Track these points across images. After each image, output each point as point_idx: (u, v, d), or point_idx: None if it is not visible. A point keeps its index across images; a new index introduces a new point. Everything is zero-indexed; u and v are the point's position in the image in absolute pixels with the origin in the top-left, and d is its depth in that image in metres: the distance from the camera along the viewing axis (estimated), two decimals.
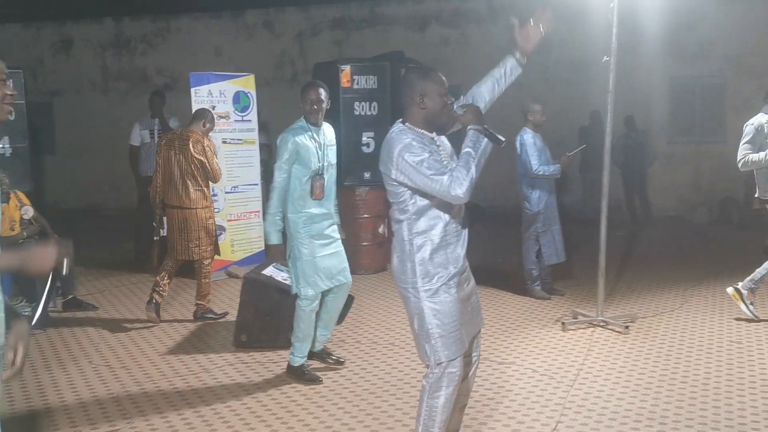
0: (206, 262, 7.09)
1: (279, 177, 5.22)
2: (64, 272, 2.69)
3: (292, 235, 5.29)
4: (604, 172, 6.60)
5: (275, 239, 5.26)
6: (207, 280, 7.14)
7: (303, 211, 5.23)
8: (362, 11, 14.18)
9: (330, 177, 5.36)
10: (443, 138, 3.72)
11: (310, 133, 5.27)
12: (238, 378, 5.49)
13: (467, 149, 3.42)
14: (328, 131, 5.43)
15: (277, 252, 5.32)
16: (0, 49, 11.57)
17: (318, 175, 5.25)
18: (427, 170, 3.41)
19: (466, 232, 3.69)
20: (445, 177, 3.38)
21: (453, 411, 3.74)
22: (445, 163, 3.49)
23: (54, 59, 15.23)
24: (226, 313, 7.13)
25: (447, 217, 3.57)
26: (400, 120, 3.66)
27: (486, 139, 3.44)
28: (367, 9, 14.15)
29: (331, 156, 5.38)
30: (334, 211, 5.46)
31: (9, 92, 2.57)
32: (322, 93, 5.27)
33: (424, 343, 3.59)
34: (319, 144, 5.27)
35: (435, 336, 3.54)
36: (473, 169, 3.37)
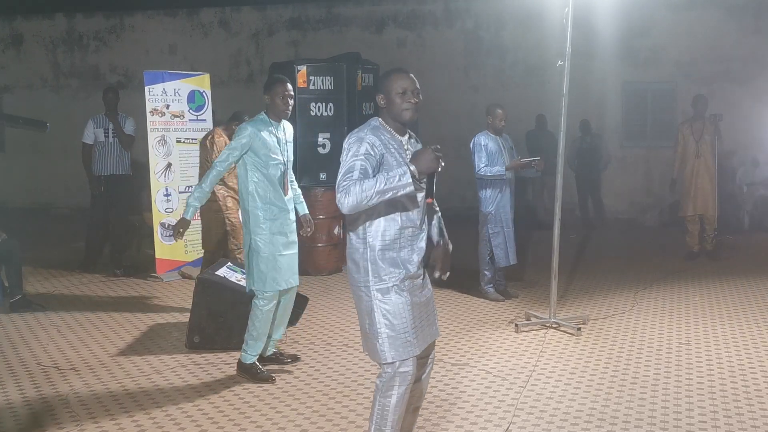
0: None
1: (225, 159, 5.20)
2: None
3: (251, 229, 5.24)
4: (557, 174, 6.67)
5: (191, 214, 5.26)
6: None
7: (267, 205, 5.21)
8: (319, 11, 14.14)
9: (290, 173, 5.40)
10: (417, 144, 3.70)
11: (271, 127, 5.25)
12: (190, 379, 5.44)
13: (384, 177, 3.34)
14: (287, 128, 5.43)
15: (184, 224, 5.29)
16: None
17: (286, 170, 5.28)
18: (346, 164, 3.43)
19: (423, 239, 3.69)
20: (346, 181, 3.37)
21: (406, 412, 3.75)
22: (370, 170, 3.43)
23: (4, 55, 14.93)
24: None
25: (403, 220, 3.58)
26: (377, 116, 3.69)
27: (409, 181, 3.32)
28: (323, 9, 14.12)
29: (290, 153, 5.40)
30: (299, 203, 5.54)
31: None
32: (290, 88, 5.30)
33: (373, 341, 3.60)
34: (278, 139, 5.27)
35: (383, 335, 3.56)
36: (370, 193, 3.32)
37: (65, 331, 6.71)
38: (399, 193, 3.36)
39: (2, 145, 14.63)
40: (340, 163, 3.52)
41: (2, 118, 2.82)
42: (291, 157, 5.41)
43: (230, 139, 6.80)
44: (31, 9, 14.57)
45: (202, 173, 7.26)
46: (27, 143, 14.55)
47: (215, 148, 7.29)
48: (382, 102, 3.62)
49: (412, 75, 3.64)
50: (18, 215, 11.84)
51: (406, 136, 3.67)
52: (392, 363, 3.57)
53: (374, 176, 3.40)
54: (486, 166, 7.37)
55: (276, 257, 5.23)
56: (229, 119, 7.57)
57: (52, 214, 13.71)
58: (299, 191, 5.62)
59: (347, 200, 3.35)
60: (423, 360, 3.81)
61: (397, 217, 3.56)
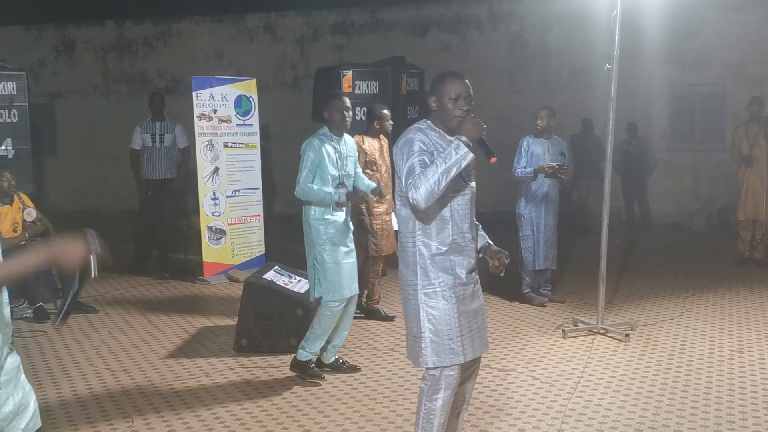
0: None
1: (306, 176, 5.30)
2: (93, 274, 2.54)
3: (313, 241, 5.36)
4: (605, 179, 6.62)
5: (342, 193, 5.31)
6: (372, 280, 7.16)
7: (325, 217, 5.32)
8: (363, 16, 14.19)
9: (349, 187, 5.49)
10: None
11: (332, 142, 5.38)
12: (238, 382, 5.50)
13: (441, 158, 3.40)
14: (349, 142, 5.56)
15: (354, 195, 5.39)
16: (3, 52, 11.53)
17: (340, 184, 5.37)
18: (406, 168, 3.45)
19: (475, 243, 3.69)
20: (410, 179, 3.40)
21: (450, 417, 3.75)
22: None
23: (56, 62, 15.23)
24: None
25: (456, 222, 3.58)
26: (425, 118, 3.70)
27: (465, 150, 3.38)
28: (368, 14, 14.16)
29: (351, 167, 5.50)
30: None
31: None
32: (348, 102, 5.42)
33: (417, 344, 3.61)
34: (339, 153, 5.39)
35: (426, 339, 3.56)
36: (436, 177, 3.35)
37: (116, 333, 6.83)
38: (463, 164, 3.38)
39: (54, 150, 14.92)
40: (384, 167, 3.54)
41: (80, 274, 2.89)
42: (352, 171, 5.53)
43: (378, 137, 6.84)
44: (83, 16, 14.84)
45: None
46: (78, 148, 14.84)
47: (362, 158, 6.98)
48: (434, 105, 3.62)
49: (467, 81, 3.63)
50: (70, 218, 12.05)
51: (455, 138, 3.67)
52: (435, 368, 3.58)
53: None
54: (522, 168, 7.36)
55: (340, 265, 5.33)
56: (367, 119, 7.10)
57: (102, 217, 13.92)
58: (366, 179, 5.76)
59: (419, 193, 3.35)
60: (469, 363, 3.81)
61: (448, 222, 3.57)
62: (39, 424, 2.75)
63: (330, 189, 5.31)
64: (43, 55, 15.15)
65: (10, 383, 2.65)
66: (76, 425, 4.76)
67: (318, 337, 5.40)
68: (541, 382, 5.38)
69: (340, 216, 5.40)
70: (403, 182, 3.44)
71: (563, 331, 6.49)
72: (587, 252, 9.08)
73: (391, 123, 6.92)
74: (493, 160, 3.53)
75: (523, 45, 13.51)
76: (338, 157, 5.39)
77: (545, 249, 7.50)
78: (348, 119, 5.41)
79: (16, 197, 7.23)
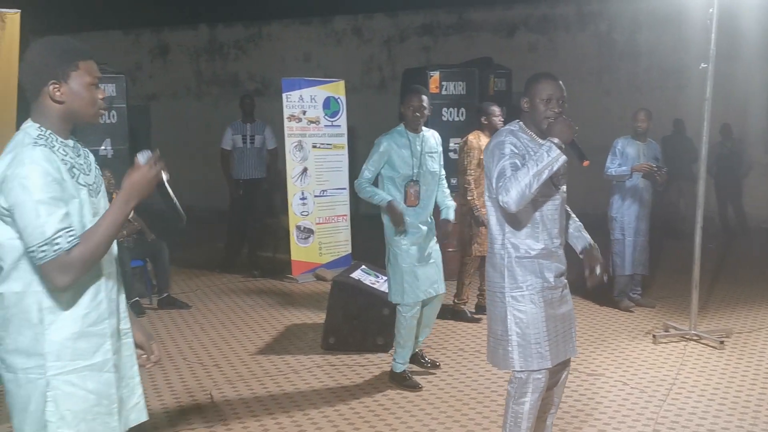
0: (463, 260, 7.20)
1: (365, 175, 5.30)
2: (166, 180, 2.57)
3: (390, 241, 5.33)
4: (699, 181, 6.45)
5: (386, 197, 5.23)
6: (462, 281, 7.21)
7: (404, 216, 5.25)
8: (450, 17, 14.18)
9: (429, 185, 5.37)
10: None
11: (406, 139, 5.30)
12: (326, 380, 5.58)
13: (533, 160, 3.37)
14: (431, 138, 5.43)
15: (392, 209, 5.20)
16: (103, 55, 11.99)
17: (412, 181, 5.27)
18: (497, 171, 3.43)
19: (562, 251, 3.66)
20: (501, 182, 3.38)
21: (538, 420, 3.73)
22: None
23: (152, 65, 15.73)
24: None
25: (547, 226, 3.56)
26: (518, 119, 3.68)
27: (557, 152, 3.34)
28: (455, 15, 14.15)
29: (431, 164, 5.36)
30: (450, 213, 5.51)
31: (101, 96, 2.61)
32: (425, 100, 5.29)
33: (503, 347, 3.59)
34: (413, 151, 5.30)
35: (513, 343, 3.55)
36: (527, 180, 3.32)
37: (208, 329, 7.02)
38: (554, 167, 3.35)
39: (149, 150, 15.40)
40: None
41: (162, 189, 2.97)
42: (435, 168, 5.39)
43: (491, 133, 6.66)
44: (177, 21, 15.29)
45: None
46: (171, 149, 15.25)
47: (465, 155, 6.99)
48: (525, 106, 3.60)
49: (560, 82, 3.59)
50: (163, 217, 12.44)
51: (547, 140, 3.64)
52: (522, 371, 3.57)
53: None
54: (615, 167, 7.21)
55: (414, 268, 5.27)
56: (478, 114, 7.07)
57: (193, 216, 14.27)
58: (448, 196, 5.60)
59: (509, 196, 3.34)
60: (558, 368, 3.77)
61: (538, 226, 3.55)
62: (145, 417, 2.82)
63: (383, 193, 5.23)
64: (140, 58, 15.67)
65: (124, 368, 2.72)
66: (171, 417, 4.92)
67: (403, 346, 5.40)
68: (631, 387, 5.29)
69: (414, 217, 5.29)
70: (494, 184, 3.44)
71: (654, 336, 6.36)
72: (679, 256, 8.86)
73: (501, 119, 6.87)
74: (586, 163, 3.48)
75: (611, 45, 13.26)
76: (412, 155, 5.29)
77: (637, 253, 7.35)
78: (420, 117, 5.27)
79: (114, 195, 7.50)
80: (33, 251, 2.38)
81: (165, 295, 7.77)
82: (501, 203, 3.40)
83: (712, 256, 9.99)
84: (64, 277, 2.40)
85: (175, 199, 2.66)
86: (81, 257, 2.40)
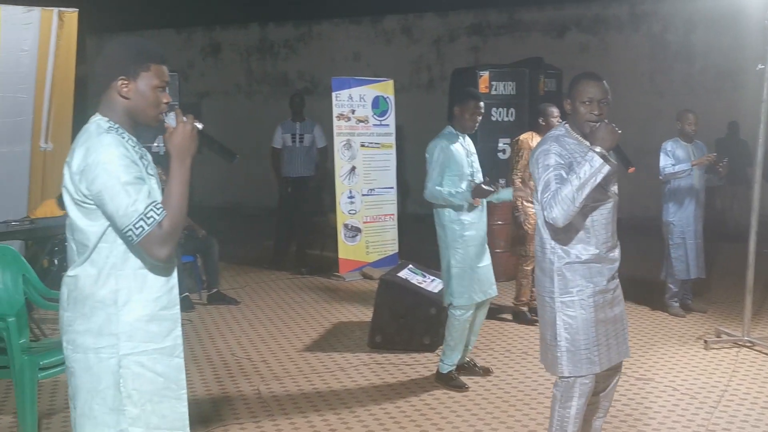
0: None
1: (435, 179, 5.25)
2: (200, 127, 2.64)
3: (446, 244, 5.32)
4: (754, 185, 6.33)
5: (467, 190, 5.17)
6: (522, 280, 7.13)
7: (460, 218, 5.26)
8: (500, 17, 14.11)
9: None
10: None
11: (457, 140, 5.34)
12: (373, 378, 5.60)
13: (575, 173, 3.29)
14: (470, 140, 5.51)
15: (479, 190, 5.14)
16: None
17: (473, 181, 5.30)
18: (542, 182, 3.37)
19: (617, 251, 3.62)
20: (547, 195, 3.32)
21: (585, 424, 3.70)
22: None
23: (203, 63, 15.92)
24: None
25: (597, 229, 3.50)
26: (565, 121, 3.63)
27: (600, 162, 3.26)
28: (505, 15, 14.08)
29: (476, 164, 5.44)
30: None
31: (165, 100, 2.67)
32: (482, 106, 5.35)
33: (551, 352, 3.56)
34: (467, 151, 5.36)
35: (562, 348, 3.51)
36: (571, 195, 3.27)
37: (256, 325, 7.09)
38: (598, 179, 3.28)
39: (200, 148, 15.58)
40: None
41: (203, 137, 3.04)
42: (479, 168, 5.46)
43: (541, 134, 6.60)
44: (229, 20, 15.46)
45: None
46: None
47: (514, 154, 6.98)
48: (568, 107, 3.54)
49: (604, 83, 3.51)
50: (213, 214, 12.59)
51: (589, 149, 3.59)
52: (570, 376, 3.53)
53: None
54: (671, 165, 7.04)
55: (474, 269, 5.29)
56: (541, 114, 6.93)
57: (242, 213, 14.47)
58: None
59: (555, 213, 3.31)
60: (609, 372, 3.74)
61: (589, 231, 3.49)
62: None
63: (457, 189, 5.23)
64: (192, 56, 15.87)
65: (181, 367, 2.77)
66: (220, 411, 4.99)
67: (453, 348, 5.40)
68: (682, 393, 5.21)
69: (476, 217, 5.35)
70: (539, 197, 3.39)
71: (705, 342, 6.25)
72: (731, 260, 8.69)
73: (559, 121, 6.80)
74: (631, 170, 3.42)
75: (665, 46, 13.07)
76: (467, 155, 5.35)
77: (696, 257, 7.23)
78: (477, 123, 5.34)
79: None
80: (129, 230, 2.47)
81: (214, 290, 7.88)
82: (547, 219, 3.36)
83: (767, 260, 9.78)
84: (164, 248, 2.50)
85: (218, 141, 2.72)
86: (172, 225, 2.50)
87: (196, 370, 5.78)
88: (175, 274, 2.72)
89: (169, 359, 2.67)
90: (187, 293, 7.64)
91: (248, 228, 12.69)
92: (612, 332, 3.61)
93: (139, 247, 2.49)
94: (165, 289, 2.66)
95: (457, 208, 5.26)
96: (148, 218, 2.45)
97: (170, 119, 2.62)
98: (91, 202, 2.51)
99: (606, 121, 3.41)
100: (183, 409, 2.72)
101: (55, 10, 7.36)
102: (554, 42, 13.58)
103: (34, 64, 7.29)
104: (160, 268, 2.63)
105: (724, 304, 7.60)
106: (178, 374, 2.70)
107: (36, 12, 7.22)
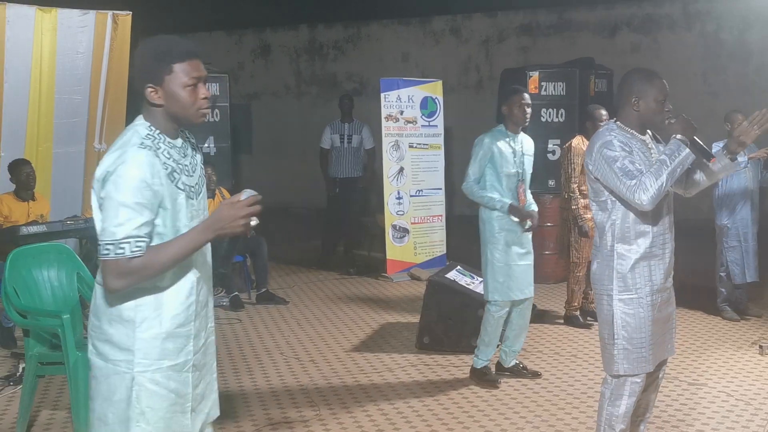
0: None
1: (471, 177, 5.30)
2: (254, 224, 2.52)
3: (486, 239, 5.35)
4: None
5: (505, 201, 5.22)
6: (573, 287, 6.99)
7: (500, 215, 5.27)
8: (550, 17, 13.99)
9: (528, 186, 5.43)
10: (659, 145, 3.64)
11: (507, 138, 5.32)
12: (420, 379, 5.60)
13: (663, 157, 3.36)
14: (526, 141, 5.47)
15: (515, 209, 5.23)
16: (207, 54, 12.37)
17: (520, 180, 5.31)
18: (618, 170, 3.38)
19: (672, 247, 3.59)
20: (634, 181, 3.33)
21: (632, 424, 3.67)
22: (643, 167, 3.40)
23: (253, 64, 16.07)
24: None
25: (656, 227, 3.50)
26: (614, 119, 3.64)
27: (687, 150, 3.34)
28: (555, 15, 13.95)
29: (528, 166, 5.42)
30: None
31: (203, 95, 2.58)
32: (528, 98, 5.33)
33: (608, 351, 3.56)
34: (515, 150, 5.32)
35: (619, 347, 3.51)
36: (664, 177, 3.31)
37: (304, 325, 7.14)
38: (686, 165, 3.38)
39: (250, 148, 15.73)
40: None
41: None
42: (530, 170, 5.45)
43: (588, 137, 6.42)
44: (279, 21, 15.57)
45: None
46: (270, 147, 15.58)
47: (568, 161, 6.81)
48: (635, 105, 3.52)
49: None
50: (262, 214, 12.71)
51: (647, 135, 3.61)
52: (619, 375, 3.52)
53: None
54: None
55: (511, 266, 5.29)
56: (588, 117, 6.76)
57: (291, 213, 14.57)
58: (532, 201, 5.59)
59: (648, 194, 3.31)
60: (655, 369, 3.70)
61: (649, 227, 3.49)
62: (218, 413, 2.85)
63: (495, 194, 5.23)
64: (242, 58, 16.03)
65: (206, 366, 2.77)
66: (268, 409, 5.03)
67: (488, 344, 5.40)
68: (736, 399, 5.11)
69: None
70: (621, 185, 3.38)
71: (760, 347, 6.12)
72: None
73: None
74: (713, 160, 3.45)
75: (719, 45, 12.82)
76: (514, 155, 5.31)
77: (751, 260, 7.07)
78: (527, 115, 5.31)
79: (217, 192, 7.71)
80: (99, 245, 2.44)
81: (263, 290, 7.94)
82: (636, 201, 3.35)
83: None
84: (117, 281, 2.44)
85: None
86: (140, 269, 2.43)
87: (245, 369, 5.84)
88: (194, 291, 2.65)
89: (179, 375, 2.62)
90: (236, 293, 7.73)
91: (297, 228, 12.77)
92: (661, 331, 3.62)
93: (100, 265, 2.46)
94: (183, 306, 2.62)
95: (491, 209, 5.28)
96: (119, 247, 2.40)
97: (245, 194, 2.51)
98: None
99: (684, 114, 3.48)
100: (187, 422, 2.66)
101: (110, 13, 7.52)
102: (605, 42, 13.42)
103: (89, 67, 7.45)
104: (181, 285, 2.60)
105: None
106: (185, 389, 2.64)
107: (91, 15, 7.37)
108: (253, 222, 2.51)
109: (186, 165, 2.64)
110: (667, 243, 3.57)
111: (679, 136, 3.38)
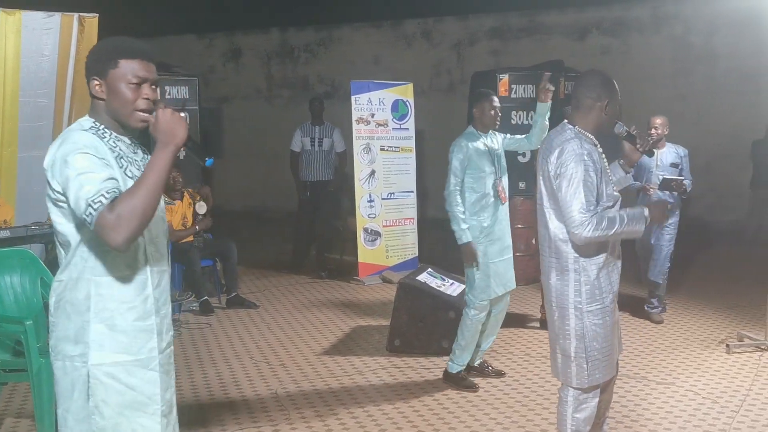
0: None
1: (452, 183, 5.27)
2: (184, 115, 2.51)
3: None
4: None
5: (466, 238, 5.20)
6: None
7: (481, 216, 5.27)
8: (521, 20, 14.05)
9: (505, 182, 5.41)
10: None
11: (479, 138, 5.34)
12: (391, 382, 5.58)
13: (623, 214, 3.36)
14: (498, 137, 5.49)
15: (469, 251, 5.22)
16: (178, 58, 12.28)
17: (498, 178, 5.31)
18: (576, 200, 3.29)
19: (620, 250, 3.61)
20: (580, 212, 3.27)
21: (593, 426, 3.69)
22: (596, 193, 3.36)
23: (224, 68, 15.98)
24: None
25: (614, 241, 3.50)
26: (567, 121, 3.52)
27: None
28: (526, 18, 14.01)
29: (503, 159, 5.44)
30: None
31: (145, 96, 2.53)
32: (497, 101, 5.39)
33: (576, 364, 3.48)
34: (490, 148, 5.34)
35: (592, 359, 3.46)
36: (612, 231, 3.32)
37: (274, 328, 7.09)
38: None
39: (220, 152, 15.63)
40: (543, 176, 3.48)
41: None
42: (505, 168, 5.46)
43: None
44: (250, 24, 15.51)
45: None
46: (242, 150, 15.49)
47: None
48: (605, 108, 3.45)
49: None
50: (232, 218, 12.65)
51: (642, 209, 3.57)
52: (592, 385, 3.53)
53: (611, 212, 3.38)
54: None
55: (488, 265, 5.28)
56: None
57: (264, 217, 14.49)
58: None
59: (591, 236, 3.30)
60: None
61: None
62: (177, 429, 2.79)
63: (465, 226, 5.17)
64: (213, 61, 15.94)
65: (169, 373, 2.70)
66: (237, 414, 4.99)
67: (464, 348, 5.39)
68: (703, 397, 5.14)
69: (495, 214, 5.33)
70: (573, 212, 3.30)
71: (727, 346, 6.17)
72: (755, 265, 8.58)
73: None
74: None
75: (687, 48, 12.94)
76: (489, 153, 5.33)
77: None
78: (497, 118, 5.35)
79: (186, 194, 7.62)
80: (85, 219, 2.37)
81: (233, 294, 7.89)
82: (574, 232, 3.31)
83: None
84: (116, 234, 2.33)
85: (195, 140, 2.59)
86: (127, 209, 2.33)
87: (215, 374, 5.79)
88: (150, 284, 2.59)
89: (143, 372, 2.57)
90: (206, 297, 7.67)
91: (268, 232, 12.71)
92: (617, 331, 3.65)
93: (96, 233, 2.38)
94: (139, 299, 2.57)
95: (475, 207, 5.26)
96: (96, 203, 2.33)
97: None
98: (63, 199, 2.45)
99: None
100: (155, 425, 2.59)
101: (76, 15, 7.41)
102: (575, 45, 13.50)
103: (55, 69, 7.35)
104: (135, 276, 2.55)
105: (746, 308, 7.49)
106: (152, 388, 2.58)
107: (56, 17, 7.27)
108: (201, 210, 2.52)
109: (137, 160, 2.62)
110: (616, 246, 3.55)
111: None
